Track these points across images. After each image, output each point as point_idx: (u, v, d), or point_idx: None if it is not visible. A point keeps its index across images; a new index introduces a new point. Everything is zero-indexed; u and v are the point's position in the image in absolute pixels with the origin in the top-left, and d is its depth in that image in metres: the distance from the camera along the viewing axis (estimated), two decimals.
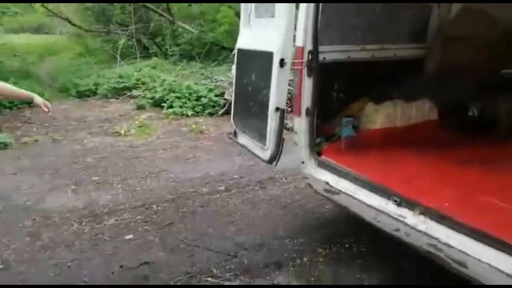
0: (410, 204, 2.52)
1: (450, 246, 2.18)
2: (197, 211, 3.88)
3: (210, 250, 3.19)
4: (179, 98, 8.37)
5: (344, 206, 2.96)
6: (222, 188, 4.47)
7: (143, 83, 9.80)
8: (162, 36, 14.70)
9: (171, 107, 8.19)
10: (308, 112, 3.14)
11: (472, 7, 4.22)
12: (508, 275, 1.93)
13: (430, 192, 2.60)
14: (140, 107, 8.56)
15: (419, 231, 2.38)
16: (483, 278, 2.06)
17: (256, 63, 3.36)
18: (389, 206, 2.62)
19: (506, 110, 4.15)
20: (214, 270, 2.86)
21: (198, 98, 8.33)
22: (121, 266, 3.02)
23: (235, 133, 3.82)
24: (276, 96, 3.05)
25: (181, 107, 8.12)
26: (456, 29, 4.16)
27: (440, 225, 2.30)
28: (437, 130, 3.82)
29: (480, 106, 4.17)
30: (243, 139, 3.68)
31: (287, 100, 3.23)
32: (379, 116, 3.60)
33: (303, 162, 3.22)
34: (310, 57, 3.04)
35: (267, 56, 3.09)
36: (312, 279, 2.86)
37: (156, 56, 13.61)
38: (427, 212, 2.41)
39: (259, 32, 3.40)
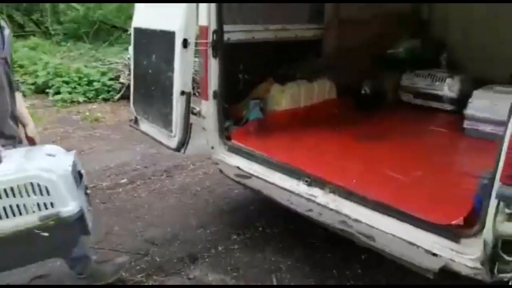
0: (320, 184, 2.58)
1: (358, 221, 2.29)
2: (99, 208, 3.53)
3: (117, 251, 2.91)
4: (67, 83, 7.51)
5: (257, 189, 2.94)
6: (125, 180, 4.14)
7: (21, 67, 8.57)
8: (40, 13, 13.01)
9: (58, 93, 7.31)
10: (215, 95, 3.00)
11: None
12: (409, 242, 2.09)
13: (337, 170, 2.70)
14: None
15: (330, 209, 2.45)
16: (388, 249, 2.21)
17: (157, 44, 3.09)
18: (301, 187, 2.65)
19: (390, 85, 4.55)
20: (123, 273, 2.61)
21: (89, 83, 7.57)
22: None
23: (136, 120, 3.52)
24: (180, 79, 2.84)
25: (70, 93, 7.31)
26: (348, 11, 4.39)
27: (348, 201, 2.40)
28: (337, 108, 4.00)
29: (371, 84, 4.46)
30: (145, 126, 3.40)
31: (193, 83, 3.06)
32: (284, 97, 3.63)
33: (212, 148, 3.10)
34: (215, 37, 2.88)
35: (169, 36, 2.85)
36: (229, 268, 2.80)
37: (34, 35, 12.00)
38: (336, 190, 2.49)
39: (157, 10, 3.12)
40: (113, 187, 3.98)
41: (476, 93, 3.39)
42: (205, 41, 2.87)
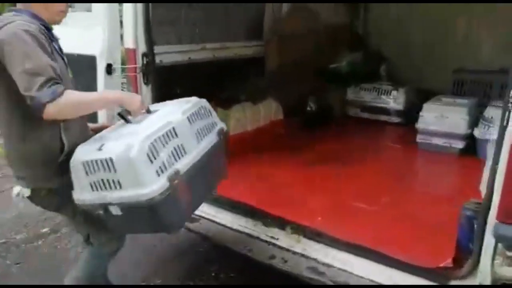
0: (280, 223, 2.26)
1: (331, 267, 1.98)
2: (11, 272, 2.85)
3: None
4: None
5: (207, 235, 2.52)
6: (47, 230, 3.47)
7: None
8: None
9: None
10: None
11: (300, 5, 4.32)
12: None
13: (298, 206, 2.38)
14: None
15: (295, 253, 2.13)
16: None
17: (75, 70, 2.59)
18: (258, 229, 2.31)
19: (336, 100, 4.40)
20: None
21: None
22: None
23: None
24: (105, 112, 2.38)
25: None
26: (288, 27, 4.19)
27: (317, 243, 2.09)
28: (285, 130, 3.74)
29: (317, 101, 4.27)
30: None
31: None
32: (230, 122, 3.29)
33: None
34: (145, 61, 2.46)
35: (89, 61, 2.39)
36: None
37: None
38: (300, 230, 2.17)
39: (74, 30, 2.62)
40: (31, 240, 3.32)
41: (426, 106, 3.29)
42: (133, 66, 2.44)
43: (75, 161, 1.63)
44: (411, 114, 4.09)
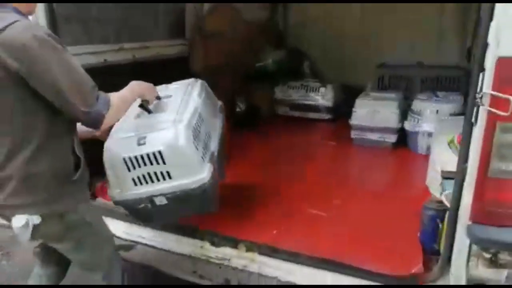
0: (231, 242, 2.03)
1: (295, 285, 1.81)
2: None
3: None
4: None
5: (146, 264, 2.19)
6: None
7: None
8: None
9: None
10: None
11: (221, 3, 4.10)
12: None
13: (247, 219, 2.17)
14: None
15: (251, 273, 1.92)
16: None
17: None
18: (206, 250, 2.05)
19: (264, 99, 4.28)
20: None
21: None
22: None
23: None
24: None
25: None
26: (210, 25, 3.94)
27: (274, 260, 1.90)
28: None
29: (245, 100, 4.10)
30: None
31: None
32: None
33: None
34: None
35: None
36: None
37: None
38: (255, 247, 1.96)
39: None
40: None
41: (358, 102, 3.31)
42: None
43: (114, 158, 1.60)
44: (339, 110, 4.15)
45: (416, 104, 3.11)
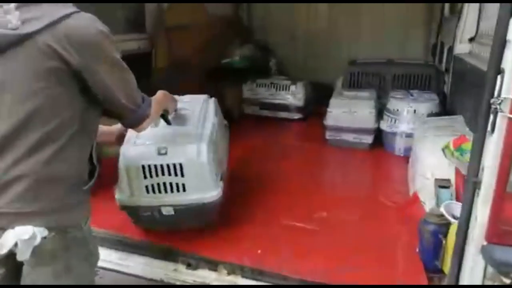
0: (209, 263, 1.80)
1: None
2: None
3: None
4: None
5: None
6: None
7: None
8: None
9: None
10: None
11: None
12: None
13: (226, 235, 1.95)
14: None
15: None
16: None
17: None
18: (181, 273, 1.82)
19: (233, 98, 4.04)
20: None
21: None
22: None
23: None
24: None
25: None
26: (173, 18, 3.65)
27: (260, 283, 1.70)
28: None
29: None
30: None
31: None
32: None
33: None
34: None
35: None
36: None
37: None
38: (236, 268, 1.76)
39: None
40: None
41: (333, 101, 3.16)
42: None
43: (131, 164, 1.66)
44: (309, 109, 4.01)
45: (392, 103, 3.01)
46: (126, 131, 1.75)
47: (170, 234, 1.92)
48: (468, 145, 1.65)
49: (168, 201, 1.70)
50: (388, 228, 1.96)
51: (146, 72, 3.34)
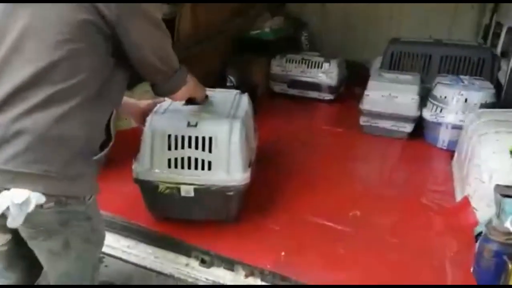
0: (225, 262, 1.60)
1: None
2: None
3: None
4: None
5: (112, 283, 1.74)
6: None
7: None
8: None
9: None
10: None
11: None
12: None
13: (248, 233, 1.73)
14: None
15: None
16: None
17: None
18: (193, 270, 1.63)
19: (259, 74, 3.75)
20: None
21: None
22: None
23: None
24: None
25: None
26: None
27: None
28: None
29: (237, 73, 3.56)
30: None
31: None
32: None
33: None
34: None
35: None
36: None
37: None
38: (256, 271, 1.55)
39: None
40: None
41: (371, 84, 2.84)
42: None
43: (157, 133, 1.55)
44: (341, 89, 3.70)
45: (439, 90, 2.67)
46: (154, 106, 1.69)
47: (184, 225, 1.72)
48: None
49: (189, 179, 1.56)
50: (433, 237, 1.70)
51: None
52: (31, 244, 1.13)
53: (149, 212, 1.76)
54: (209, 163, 1.55)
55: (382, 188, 2.14)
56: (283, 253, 1.57)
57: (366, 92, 2.83)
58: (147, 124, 1.59)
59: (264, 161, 2.32)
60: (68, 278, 1.21)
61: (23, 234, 1.11)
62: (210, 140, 1.53)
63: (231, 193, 1.58)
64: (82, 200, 1.12)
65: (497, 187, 1.56)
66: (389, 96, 2.75)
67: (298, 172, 2.25)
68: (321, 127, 3.02)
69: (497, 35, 3.41)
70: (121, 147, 2.06)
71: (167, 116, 1.62)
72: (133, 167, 1.61)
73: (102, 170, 1.22)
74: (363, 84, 3.55)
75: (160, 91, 1.33)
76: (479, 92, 2.56)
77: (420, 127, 2.79)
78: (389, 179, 2.28)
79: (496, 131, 1.86)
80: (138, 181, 1.61)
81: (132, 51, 1.12)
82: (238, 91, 2.00)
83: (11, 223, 1.01)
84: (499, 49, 3.17)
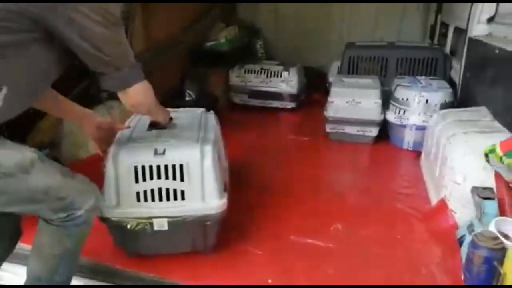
0: None
1: None
2: None
3: None
4: None
5: None
6: None
7: None
8: None
9: None
10: None
11: None
12: None
13: (233, 262, 1.62)
14: None
15: None
16: None
17: None
18: None
19: (217, 85, 3.65)
20: None
21: None
22: None
23: None
24: None
25: None
26: None
27: None
28: None
29: (195, 87, 3.44)
30: None
31: None
32: None
33: None
34: None
35: None
36: None
37: None
38: None
39: None
40: None
41: (334, 90, 2.83)
42: None
43: (121, 166, 1.43)
44: (301, 97, 3.69)
45: (400, 92, 2.71)
46: (110, 125, 1.59)
47: (160, 259, 1.59)
48: None
49: (162, 212, 1.46)
50: (417, 244, 1.68)
51: None
52: None
53: (119, 250, 1.61)
54: (182, 192, 1.45)
55: (358, 197, 2.12)
56: (270, 281, 1.47)
57: (329, 99, 2.82)
58: (109, 156, 1.46)
59: (233, 180, 2.23)
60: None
61: None
62: (181, 167, 1.43)
63: (208, 223, 1.47)
64: None
65: (474, 189, 1.57)
66: (353, 102, 2.75)
67: (271, 189, 2.17)
68: (287, 137, 2.98)
69: (443, 35, 3.55)
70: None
71: (130, 145, 1.50)
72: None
73: None
74: (322, 90, 3.58)
75: (110, 83, 1.21)
76: (438, 93, 2.62)
77: (384, 130, 2.82)
78: (362, 186, 2.26)
79: (464, 131, 1.89)
80: (104, 220, 1.47)
81: (81, 47, 1.09)
82: (203, 109, 1.91)
83: None
84: (448, 49, 3.29)
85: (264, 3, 4.54)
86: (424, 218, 1.84)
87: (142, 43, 3.09)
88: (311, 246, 1.67)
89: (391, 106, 2.75)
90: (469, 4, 2.60)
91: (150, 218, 1.45)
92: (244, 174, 2.33)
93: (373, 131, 2.79)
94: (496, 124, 1.95)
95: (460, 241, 1.56)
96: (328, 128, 2.86)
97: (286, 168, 2.43)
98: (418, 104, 2.61)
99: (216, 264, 1.57)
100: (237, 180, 2.22)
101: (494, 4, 2.43)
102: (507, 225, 1.38)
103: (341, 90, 2.82)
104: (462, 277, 1.39)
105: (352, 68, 3.35)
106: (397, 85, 2.79)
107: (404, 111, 2.65)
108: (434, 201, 1.93)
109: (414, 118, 2.61)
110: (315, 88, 3.80)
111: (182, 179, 1.43)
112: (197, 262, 1.57)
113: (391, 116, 2.72)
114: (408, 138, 2.67)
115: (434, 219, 1.79)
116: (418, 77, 2.92)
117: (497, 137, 1.62)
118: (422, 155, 2.43)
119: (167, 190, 1.44)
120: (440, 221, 1.75)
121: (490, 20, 2.46)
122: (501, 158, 1.44)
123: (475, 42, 2.49)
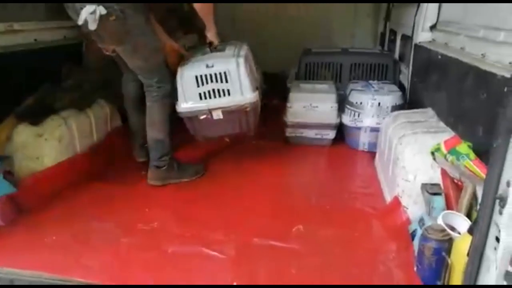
0: None
1: None
2: None
3: None
4: None
5: None
6: None
7: None
8: None
9: None
10: None
11: None
12: None
13: (195, 265, 1.63)
14: None
15: None
16: None
17: None
18: None
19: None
20: None
21: None
22: None
23: None
24: None
25: None
26: None
27: None
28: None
29: None
30: None
31: None
32: (48, 145, 2.18)
33: None
34: None
35: None
36: None
37: None
38: None
39: None
40: None
41: (293, 96, 2.92)
42: None
43: (187, 77, 2.17)
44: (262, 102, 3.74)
45: (354, 96, 2.84)
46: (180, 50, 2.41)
47: (110, 270, 1.57)
48: (463, 148, 1.49)
49: (216, 104, 2.17)
50: (375, 241, 1.78)
51: (76, 65, 2.84)
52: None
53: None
54: (228, 90, 2.14)
55: (318, 197, 2.19)
56: (235, 283, 1.50)
57: (288, 105, 2.90)
58: (178, 72, 2.17)
59: (196, 188, 2.25)
60: (143, 70, 2.20)
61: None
62: (225, 74, 2.12)
63: (248, 109, 2.17)
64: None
65: (424, 186, 1.68)
66: (310, 107, 2.85)
67: (232, 192, 2.21)
68: (249, 142, 3.02)
69: (392, 41, 3.75)
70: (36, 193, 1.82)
71: (190, 64, 2.20)
72: (177, 109, 2.20)
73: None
74: (281, 95, 3.66)
75: None
76: (389, 96, 2.77)
77: (341, 132, 2.94)
78: (322, 187, 2.35)
79: (413, 132, 2.01)
80: (182, 114, 2.22)
81: None
82: (237, 41, 2.52)
83: (91, 25, 1.82)
84: (397, 54, 3.48)
85: (221, 10, 4.57)
86: (380, 216, 1.94)
87: (96, 50, 3.03)
88: (274, 248, 1.71)
89: (346, 110, 2.87)
90: (414, 12, 2.77)
91: (210, 109, 2.16)
92: (206, 178, 2.36)
93: (330, 134, 2.90)
94: (441, 124, 2.10)
95: (413, 235, 1.67)
96: (288, 132, 2.94)
97: (247, 172, 2.48)
98: (371, 107, 2.75)
99: (183, 269, 1.57)
100: (199, 188, 2.25)
101: (436, 12, 2.61)
102: (453, 218, 1.50)
103: (299, 95, 2.91)
104: (415, 268, 1.49)
105: (309, 74, 3.46)
106: (352, 90, 2.92)
107: (359, 114, 2.78)
108: (388, 199, 2.04)
109: (368, 120, 2.74)
110: (275, 93, 3.87)
111: (226, 81, 2.13)
112: (162, 266, 1.57)
113: (346, 119, 2.84)
114: (363, 140, 2.80)
115: (389, 216, 1.89)
116: (371, 82, 3.06)
117: (442, 136, 1.75)
118: (377, 156, 2.56)
119: (218, 90, 2.14)
120: (394, 218, 1.85)
121: (433, 27, 2.64)
122: (445, 155, 1.56)
123: (420, 48, 2.66)
